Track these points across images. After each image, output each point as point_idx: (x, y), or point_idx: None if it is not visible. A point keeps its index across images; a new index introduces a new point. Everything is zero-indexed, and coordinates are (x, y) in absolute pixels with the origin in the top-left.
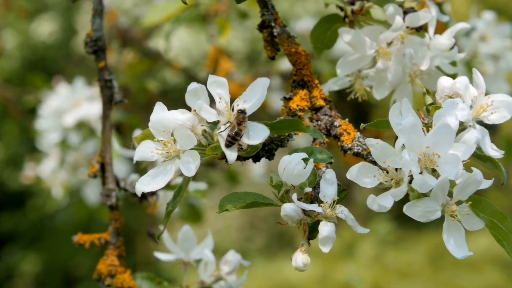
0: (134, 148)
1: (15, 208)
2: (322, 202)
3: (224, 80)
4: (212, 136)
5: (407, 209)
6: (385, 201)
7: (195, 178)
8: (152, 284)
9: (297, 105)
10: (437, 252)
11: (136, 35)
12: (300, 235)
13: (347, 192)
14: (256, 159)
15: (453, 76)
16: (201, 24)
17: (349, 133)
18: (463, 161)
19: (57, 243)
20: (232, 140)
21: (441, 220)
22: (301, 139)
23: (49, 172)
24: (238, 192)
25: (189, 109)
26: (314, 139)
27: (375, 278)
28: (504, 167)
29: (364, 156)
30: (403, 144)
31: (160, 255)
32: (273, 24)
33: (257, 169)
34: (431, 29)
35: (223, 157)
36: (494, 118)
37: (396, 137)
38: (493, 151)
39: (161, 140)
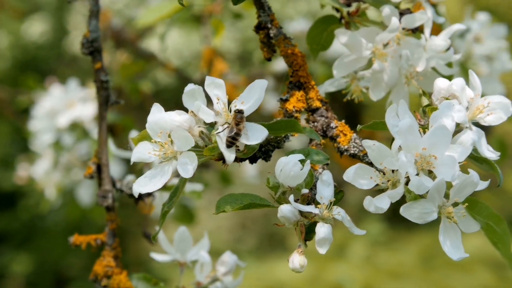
0: (131, 149)
1: (6, 208)
2: (319, 203)
3: (221, 81)
4: (209, 137)
5: (404, 211)
6: (382, 203)
7: (190, 179)
8: (148, 284)
9: (294, 107)
10: (428, 253)
11: (129, 36)
12: (297, 237)
13: (343, 193)
14: (252, 160)
15: (449, 78)
16: (193, 24)
17: (345, 135)
18: (459, 163)
19: (49, 244)
20: (232, 141)
21: (433, 221)
22: (294, 140)
23: (43, 173)
24: (235, 194)
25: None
26: (311, 140)
27: (366, 278)
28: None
29: (360, 157)
30: (399, 146)
31: (156, 256)
32: (269, 26)
33: (249, 170)
34: (427, 31)
35: (220, 158)
36: (490, 119)
37: (393, 139)
38: (489, 153)
39: (158, 141)
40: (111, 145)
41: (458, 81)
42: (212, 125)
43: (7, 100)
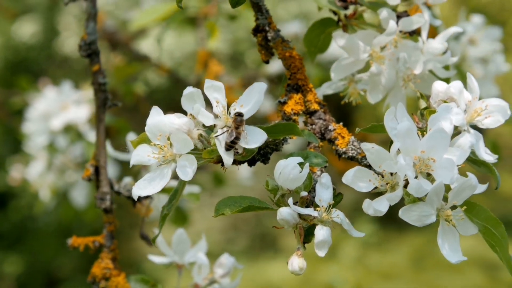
0: (128, 151)
1: None
2: (317, 206)
3: (221, 84)
4: (208, 140)
5: (402, 214)
6: (381, 206)
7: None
8: (146, 286)
9: (292, 109)
10: (419, 254)
11: (123, 38)
12: (296, 239)
13: (342, 196)
14: (251, 163)
15: (447, 80)
16: (185, 26)
17: (343, 137)
18: (458, 166)
19: (39, 244)
20: (232, 144)
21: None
22: (289, 143)
23: (37, 175)
24: (234, 196)
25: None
26: (309, 143)
27: (358, 279)
28: None
29: (358, 160)
30: (398, 149)
31: (154, 258)
32: (267, 28)
33: (243, 171)
34: (424, 34)
35: (219, 161)
36: (488, 122)
37: (391, 142)
38: (487, 156)
39: (158, 144)
40: (109, 147)
41: (456, 84)
42: (211, 128)
43: (0, 101)
